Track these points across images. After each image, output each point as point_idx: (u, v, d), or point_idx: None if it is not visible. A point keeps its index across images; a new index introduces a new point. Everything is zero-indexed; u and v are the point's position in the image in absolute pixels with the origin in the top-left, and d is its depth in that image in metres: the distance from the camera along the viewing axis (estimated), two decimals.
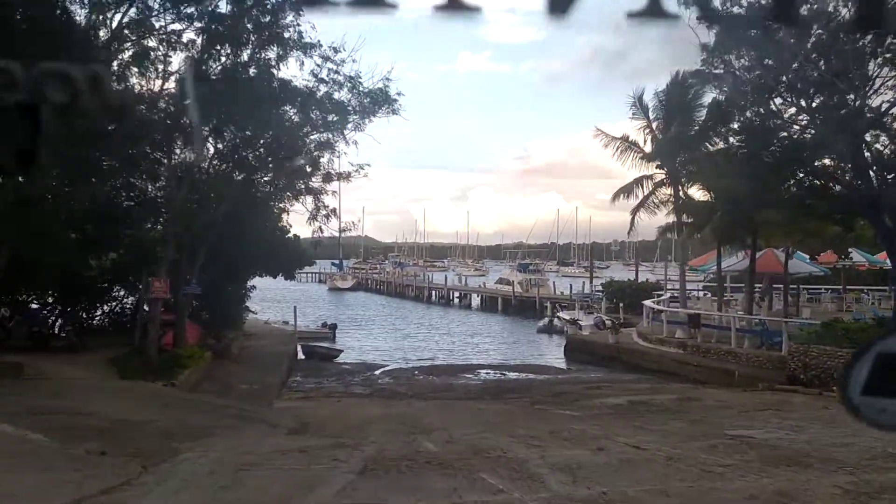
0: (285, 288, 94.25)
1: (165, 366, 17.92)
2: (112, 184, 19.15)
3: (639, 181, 30.52)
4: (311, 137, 20.82)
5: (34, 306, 23.79)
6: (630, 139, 30.38)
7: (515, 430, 12.43)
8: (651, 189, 30.72)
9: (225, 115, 18.36)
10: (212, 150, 21.52)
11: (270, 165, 21.39)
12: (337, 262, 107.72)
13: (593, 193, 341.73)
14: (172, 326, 20.38)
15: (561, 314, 46.96)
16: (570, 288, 56.15)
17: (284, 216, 29.37)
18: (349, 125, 20.40)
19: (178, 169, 18.67)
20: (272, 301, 67.16)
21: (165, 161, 18.62)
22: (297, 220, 31.00)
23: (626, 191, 30.83)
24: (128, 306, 26.59)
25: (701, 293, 41.32)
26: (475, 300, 70.12)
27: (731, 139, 24.47)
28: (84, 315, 25.36)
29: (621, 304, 41.47)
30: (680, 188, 29.41)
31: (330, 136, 20.88)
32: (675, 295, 40.77)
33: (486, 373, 28.08)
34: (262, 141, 20.13)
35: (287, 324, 37.78)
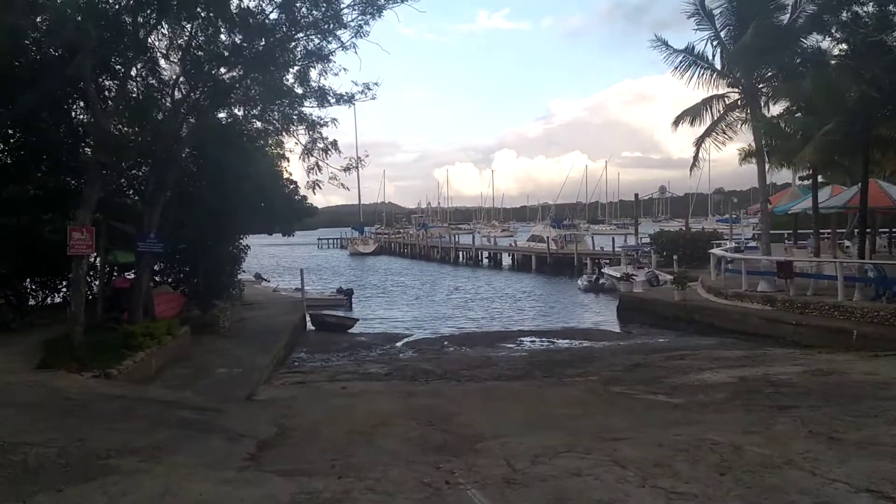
0: (301, 256, 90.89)
1: (107, 348, 13.30)
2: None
3: (707, 102, 25.04)
4: (297, 44, 15.77)
5: None
6: (695, 51, 24.85)
7: (611, 443, 7.61)
8: (721, 112, 25.29)
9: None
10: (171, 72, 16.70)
11: (246, 85, 16.36)
12: (357, 226, 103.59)
13: (619, 150, 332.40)
14: (120, 296, 15.82)
15: (607, 270, 41.94)
16: (613, 242, 50.79)
17: (285, 164, 24.62)
18: (348, 21, 15.36)
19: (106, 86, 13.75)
20: (288, 269, 63.16)
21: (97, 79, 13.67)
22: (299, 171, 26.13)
23: (693, 114, 25.34)
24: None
25: (751, 243, 35.93)
26: (506, 259, 65.28)
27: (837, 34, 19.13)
28: (36, 286, 20.96)
29: (675, 257, 36.34)
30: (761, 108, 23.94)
31: (321, 40, 15.83)
32: (738, 245, 35.69)
33: (531, 341, 23.22)
34: (228, 47, 15.10)
35: (298, 290, 33.19)
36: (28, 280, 20.88)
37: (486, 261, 68.05)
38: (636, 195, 54.90)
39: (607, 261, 48.07)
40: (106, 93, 15.20)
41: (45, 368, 11.78)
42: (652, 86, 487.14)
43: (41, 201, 19.06)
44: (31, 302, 21.05)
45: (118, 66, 14.27)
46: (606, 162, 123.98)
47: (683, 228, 47.54)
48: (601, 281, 41.09)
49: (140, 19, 13.11)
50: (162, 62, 17.43)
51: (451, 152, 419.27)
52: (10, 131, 19.76)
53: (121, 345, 13.72)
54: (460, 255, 71.48)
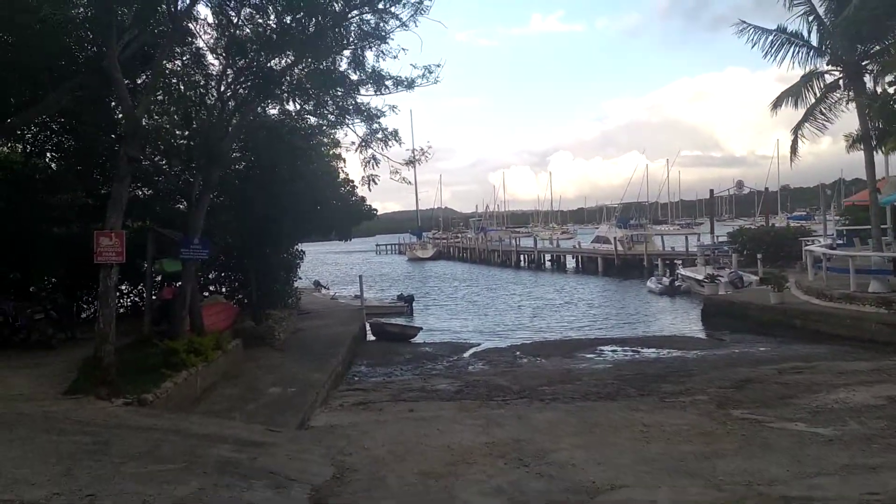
0: (359, 262, 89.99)
1: (146, 368, 11.80)
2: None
3: (808, 80, 22.42)
4: (350, 24, 14.06)
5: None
6: (789, 30, 22.33)
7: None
8: (820, 94, 22.65)
9: None
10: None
11: (296, 73, 14.72)
12: (415, 231, 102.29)
13: (677, 149, 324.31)
14: (169, 307, 14.41)
15: (683, 271, 39.29)
16: (686, 241, 47.87)
17: (341, 166, 23.03)
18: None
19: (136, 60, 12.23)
20: (346, 275, 62.06)
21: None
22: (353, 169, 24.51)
23: (793, 94, 22.73)
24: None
25: (839, 240, 32.72)
26: (570, 262, 62.78)
27: None
28: (90, 297, 19.80)
29: (759, 256, 33.53)
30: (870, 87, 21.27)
31: (378, 19, 14.10)
32: (830, 242, 32.65)
33: (612, 350, 21.04)
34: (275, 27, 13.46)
35: (357, 298, 31.65)
36: (77, 292, 19.80)
37: (548, 264, 65.68)
38: (711, 191, 51.71)
39: (680, 261, 45.35)
40: (138, 81, 13.81)
41: (73, 394, 10.28)
42: (710, 83, 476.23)
43: (93, 209, 17.99)
44: (83, 315, 19.97)
45: (152, 51, 12.77)
46: (668, 161, 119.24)
47: (763, 225, 44.39)
48: (677, 283, 38.49)
49: None
50: (209, 56, 16.16)
51: (506, 156, 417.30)
52: (62, 139, 18.90)
53: (161, 364, 12.21)
54: (522, 259, 69.27)
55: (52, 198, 18.73)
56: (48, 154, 19.52)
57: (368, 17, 14.13)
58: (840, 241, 31.93)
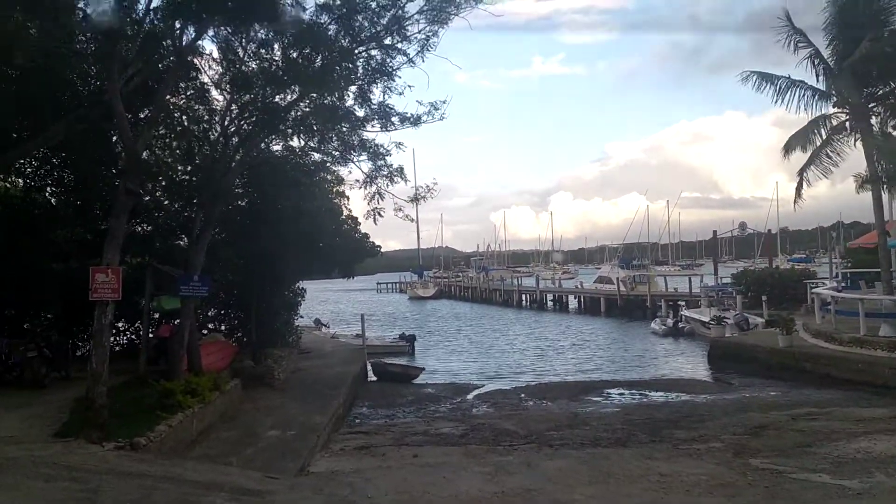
0: (360, 300, 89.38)
1: (140, 410, 11.38)
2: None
3: (815, 125, 22.31)
4: (357, 59, 13.95)
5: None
6: (791, 77, 22.36)
7: None
8: (826, 136, 22.55)
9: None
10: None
11: (302, 108, 14.57)
12: (416, 270, 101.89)
13: (677, 191, 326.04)
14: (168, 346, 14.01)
15: (687, 312, 38.85)
16: (689, 282, 47.46)
17: (344, 202, 22.76)
18: (414, 33, 13.52)
19: (134, 92, 11.97)
20: (346, 314, 61.51)
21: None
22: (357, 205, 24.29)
23: (801, 139, 22.61)
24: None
25: (842, 283, 32.28)
26: (572, 302, 62.30)
27: None
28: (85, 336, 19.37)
29: (764, 298, 33.13)
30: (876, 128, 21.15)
31: (384, 55, 13.98)
32: (836, 285, 32.23)
33: (619, 393, 20.54)
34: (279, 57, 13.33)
35: (358, 337, 31.13)
36: (73, 328, 19.38)
37: (550, 304, 65.19)
38: (714, 232, 51.60)
39: (683, 303, 44.91)
40: (141, 115, 13.64)
41: (64, 437, 9.86)
42: (709, 126, 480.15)
43: (92, 245, 17.69)
44: (79, 353, 19.52)
45: (155, 85, 12.59)
46: (668, 202, 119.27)
47: (767, 266, 44.05)
48: (680, 324, 38.01)
49: (177, 24, 11.41)
50: (214, 91, 16.03)
51: (507, 196, 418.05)
52: (63, 173, 18.69)
53: (157, 405, 11.79)
54: (524, 298, 68.80)
55: (51, 233, 18.45)
56: (48, 189, 19.29)
57: (375, 52, 14.04)
58: (843, 284, 31.53)
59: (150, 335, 18.36)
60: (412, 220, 17.66)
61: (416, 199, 15.93)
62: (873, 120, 22.13)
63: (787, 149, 23.19)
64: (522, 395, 20.49)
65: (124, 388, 14.23)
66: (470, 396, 20.91)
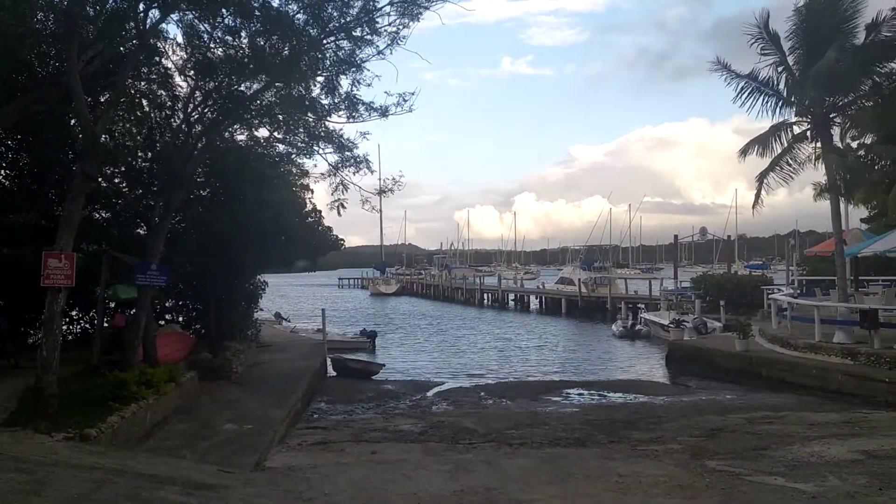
0: (322, 295, 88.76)
1: (92, 401, 11.06)
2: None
3: (776, 130, 22.66)
4: (326, 49, 13.74)
5: None
6: (759, 78, 22.66)
7: None
8: (787, 144, 22.93)
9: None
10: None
11: (267, 97, 14.32)
12: (379, 266, 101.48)
13: (639, 195, 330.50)
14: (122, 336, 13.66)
15: (646, 315, 39.30)
16: (650, 285, 48.07)
17: (308, 195, 22.49)
18: (384, 26, 13.36)
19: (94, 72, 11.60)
20: (307, 309, 60.95)
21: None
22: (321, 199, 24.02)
23: (760, 143, 22.89)
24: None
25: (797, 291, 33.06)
26: (533, 302, 62.66)
27: None
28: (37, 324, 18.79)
29: (722, 303, 33.67)
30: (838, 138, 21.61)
31: (353, 46, 13.80)
32: (792, 291, 32.91)
33: (578, 393, 20.65)
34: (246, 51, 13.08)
35: (319, 332, 30.83)
36: (25, 316, 18.79)
37: (512, 303, 65.50)
38: (675, 237, 52.32)
39: (643, 305, 45.49)
40: (101, 99, 13.27)
41: (10, 427, 9.53)
42: (672, 132, 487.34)
43: (46, 231, 17.16)
44: (30, 341, 18.93)
45: (116, 68, 12.22)
46: (630, 206, 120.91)
47: (726, 272, 44.84)
48: (637, 327, 38.47)
49: (140, 5, 11.10)
50: (177, 77, 15.68)
51: (471, 195, 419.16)
52: (18, 156, 18.12)
53: (109, 396, 11.47)
54: (485, 298, 69.01)
55: (3, 217, 17.89)
56: (1, 171, 18.71)
57: (344, 43, 13.85)
58: (799, 291, 32.20)
59: (105, 324, 17.93)
60: (378, 211, 17.55)
61: (381, 192, 15.81)
62: (834, 130, 22.61)
63: (745, 152, 23.47)
64: (482, 394, 20.49)
65: (76, 377, 13.88)
66: (430, 394, 20.84)
